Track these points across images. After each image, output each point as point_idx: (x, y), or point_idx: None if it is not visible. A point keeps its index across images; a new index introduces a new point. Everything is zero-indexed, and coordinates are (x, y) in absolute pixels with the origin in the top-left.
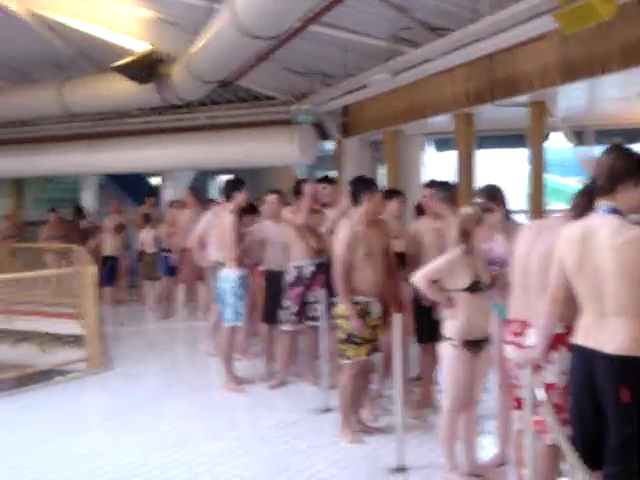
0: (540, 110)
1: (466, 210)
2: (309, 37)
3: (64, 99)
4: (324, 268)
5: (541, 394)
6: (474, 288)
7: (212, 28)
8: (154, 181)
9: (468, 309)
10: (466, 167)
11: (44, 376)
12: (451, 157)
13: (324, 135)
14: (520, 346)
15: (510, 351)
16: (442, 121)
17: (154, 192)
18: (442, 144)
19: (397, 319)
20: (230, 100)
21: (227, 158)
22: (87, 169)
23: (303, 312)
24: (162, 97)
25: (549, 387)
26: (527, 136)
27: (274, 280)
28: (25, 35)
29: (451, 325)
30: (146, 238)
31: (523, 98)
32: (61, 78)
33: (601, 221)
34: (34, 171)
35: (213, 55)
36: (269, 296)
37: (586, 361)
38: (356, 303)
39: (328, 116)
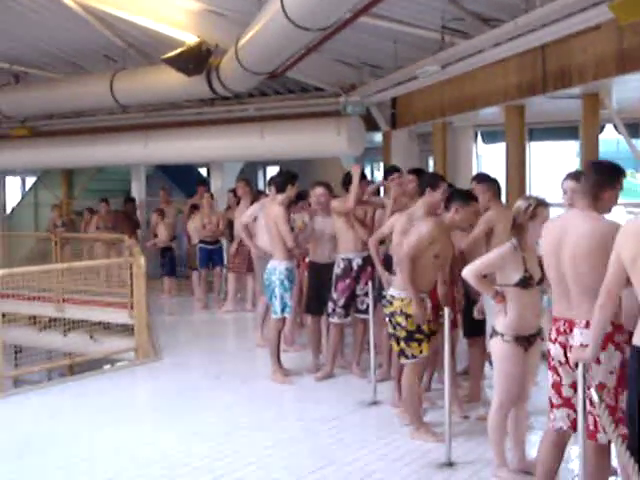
0: (593, 102)
1: (519, 204)
2: (358, 28)
3: (115, 91)
4: (370, 260)
5: (595, 395)
6: (525, 283)
7: (261, 19)
8: (203, 172)
9: (519, 304)
10: (517, 160)
11: (94, 365)
12: (499, 149)
13: (372, 127)
14: (564, 345)
15: (554, 350)
16: (492, 113)
17: (205, 182)
18: (490, 136)
19: (447, 313)
20: (279, 91)
21: (275, 149)
22: (140, 159)
23: (351, 305)
24: (211, 89)
25: (599, 387)
26: (580, 128)
27: (318, 272)
28: (76, 27)
29: (502, 320)
30: (191, 229)
31: (576, 90)
32: (112, 70)
33: None
34: (88, 162)
35: (262, 46)
36: (312, 288)
37: None
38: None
39: (376, 108)
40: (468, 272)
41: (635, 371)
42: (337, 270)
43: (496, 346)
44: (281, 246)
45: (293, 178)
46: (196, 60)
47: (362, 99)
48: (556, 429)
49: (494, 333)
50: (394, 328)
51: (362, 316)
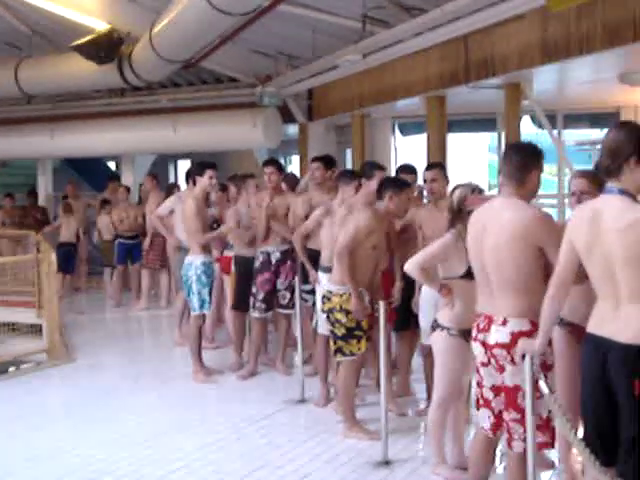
0: (515, 92)
1: (459, 191)
2: (276, 17)
3: (20, 80)
4: (291, 255)
5: (544, 387)
6: (472, 275)
7: (179, 4)
8: (111, 166)
9: (466, 297)
10: (438, 151)
11: (1, 368)
12: (415, 142)
13: (288, 119)
14: (484, 344)
15: (475, 349)
16: (410, 104)
17: (117, 177)
18: (407, 128)
19: (382, 307)
20: (192, 82)
21: (189, 142)
22: (46, 153)
23: (272, 299)
24: (123, 78)
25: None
26: (500, 119)
27: (244, 266)
28: None
29: (448, 313)
30: (102, 224)
31: (498, 80)
32: (17, 58)
33: (605, 203)
34: None
35: (179, 32)
36: (239, 282)
37: (599, 351)
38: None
39: (292, 99)
40: (411, 265)
41: (589, 359)
42: (256, 264)
43: (440, 340)
44: (197, 240)
45: (202, 168)
46: (107, 48)
47: (278, 90)
48: (480, 427)
49: (437, 327)
50: (332, 325)
51: (284, 311)
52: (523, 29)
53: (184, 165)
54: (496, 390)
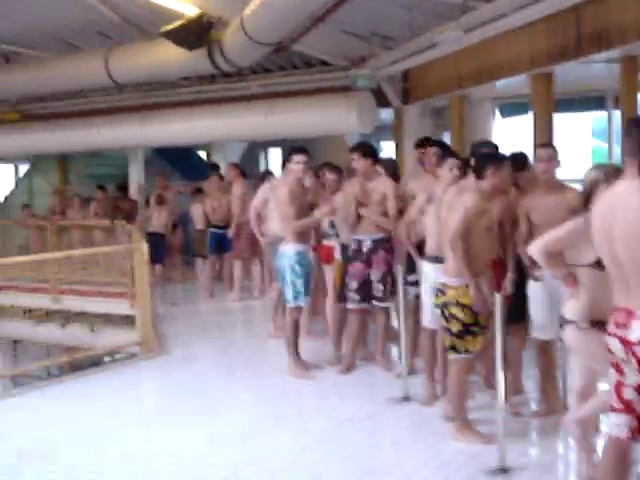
0: (632, 66)
1: (594, 174)
2: None
3: (111, 69)
4: (385, 244)
5: None
6: (602, 264)
7: None
8: (202, 155)
9: (593, 287)
10: (545, 133)
11: (96, 359)
12: (517, 124)
13: (382, 103)
14: (624, 340)
15: (613, 345)
16: (512, 83)
17: (217, 167)
18: (507, 110)
19: (498, 300)
20: (283, 67)
21: (281, 128)
22: (137, 142)
23: (366, 291)
24: (213, 64)
25: None
26: (610, 97)
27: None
28: (68, 1)
29: (574, 305)
30: (195, 214)
31: (612, 53)
32: (107, 47)
33: None
34: (83, 146)
35: (274, 12)
36: (343, 272)
37: None
38: (467, 286)
39: (387, 81)
40: (536, 249)
41: None
42: (349, 252)
43: (570, 336)
44: (291, 228)
45: (292, 154)
46: (197, 33)
47: (373, 72)
48: (614, 436)
49: (565, 322)
50: (447, 321)
51: (380, 304)
52: None
53: (275, 153)
54: None
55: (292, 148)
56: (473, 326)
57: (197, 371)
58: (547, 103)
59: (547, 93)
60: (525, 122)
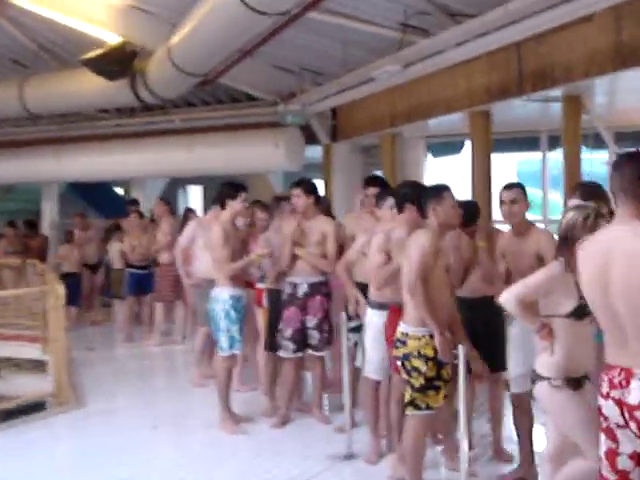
0: (575, 106)
1: (573, 215)
2: (301, 28)
3: (26, 98)
4: (322, 288)
5: None
6: (581, 313)
7: (207, 4)
8: (119, 191)
9: (569, 340)
10: (483, 172)
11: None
12: (447, 164)
13: (310, 140)
14: (620, 403)
15: (606, 408)
16: (444, 123)
17: (136, 202)
18: (438, 149)
19: (461, 351)
20: (207, 102)
21: (205, 164)
22: (52, 177)
23: (301, 338)
24: (136, 95)
25: None
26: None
27: (276, 300)
28: None
29: (547, 360)
30: (113, 252)
31: (556, 92)
32: (22, 75)
33: None
34: None
35: (208, 36)
36: (270, 319)
37: None
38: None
39: (316, 118)
40: (509, 297)
41: None
42: (284, 296)
43: (542, 394)
44: (224, 271)
45: (235, 190)
46: (120, 62)
47: (302, 108)
48: None
49: (537, 378)
50: (409, 374)
51: (314, 353)
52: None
53: (195, 191)
54: (638, 458)
55: (236, 185)
56: (436, 380)
57: (117, 427)
58: (485, 142)
59: (485, 132)
60: (457, 162)
